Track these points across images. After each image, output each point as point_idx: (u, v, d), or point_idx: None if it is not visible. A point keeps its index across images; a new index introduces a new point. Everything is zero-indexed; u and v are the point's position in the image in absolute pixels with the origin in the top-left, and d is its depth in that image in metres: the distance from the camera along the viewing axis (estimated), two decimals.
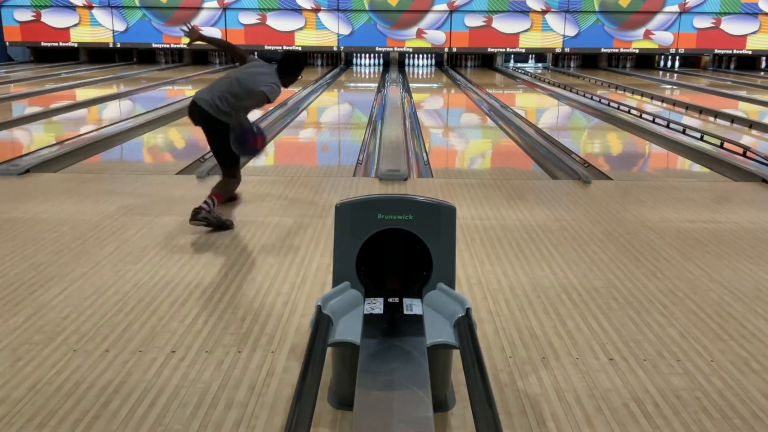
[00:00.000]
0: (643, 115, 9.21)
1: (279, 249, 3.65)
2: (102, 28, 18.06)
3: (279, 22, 18.05)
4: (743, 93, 12.98)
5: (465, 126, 9.54)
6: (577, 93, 12.04)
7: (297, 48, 17.89)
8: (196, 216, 3.89)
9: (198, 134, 8.65)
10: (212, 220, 3.91)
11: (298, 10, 18.01)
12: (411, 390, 1.66)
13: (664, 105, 10.83)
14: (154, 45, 18.31)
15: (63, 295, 2.97)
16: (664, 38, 18.47)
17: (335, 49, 18.47)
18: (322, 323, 1.91)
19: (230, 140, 4.01)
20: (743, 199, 4.97)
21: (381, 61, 18.95)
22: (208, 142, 4.30)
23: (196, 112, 4.15)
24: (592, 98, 11.22)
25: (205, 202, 3.96)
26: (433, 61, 19.08)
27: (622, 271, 3.35)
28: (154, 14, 18.03)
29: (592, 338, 2.62)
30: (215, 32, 18.07)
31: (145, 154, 7.00)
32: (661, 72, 18.28)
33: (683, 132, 7.80)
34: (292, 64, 4.27)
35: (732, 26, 18.33)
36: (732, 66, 18.99)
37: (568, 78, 15.66)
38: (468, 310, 1.96)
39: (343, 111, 11.09)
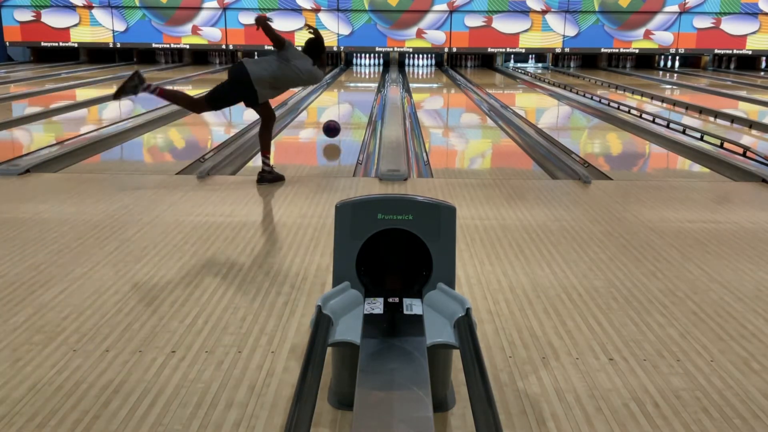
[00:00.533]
0: (643, 115, 9.21)
1: (279, 249, 3.65)
2: (102, 28, 18.07)
3: (279, 22, 18.02)
4: (743, 93, 12.98)
5: (465, 126, 9.54)
6: (577, 93, 12.04)
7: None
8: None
9: (198, 134, 8.62)
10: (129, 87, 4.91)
11: (298, 10, 18.02)
12: (411, 390, 1.66)
13: (664, 105, 10.84)
14: (154, 45, 18.33)
15: (63, 295, 2.97)
16: (664, 38, 18.48)
17: (335, 49, 18.47)
18: (322, 323, 1.91)
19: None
20: (743, 199, 4.97)
21: (381, 61, 18.96)
22: (224, 85, 5.01)
23: (241, 73, 4.87)
24: (592, 98, 11.23)
25: (152, 87, 4.97)
26: (433, 61, 19.08)
27: (622, 271, 3.35)
28: (154, 14, 18.03)
29: (592, 338, 2.62)
30: (215, 32, 18.09)
31: (145, 154, 7.00)
32: (661, 72, 18.28)
33: (683, 132, 7.81)
34: (317, 49, 5.09)
35: (732, 26, 18.34)
36: (732, 66, 18.99)
37: (568, 78, 15.67)
38: (468, 310, 1.96)
39: (343, 111, 11.09)
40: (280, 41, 4.91)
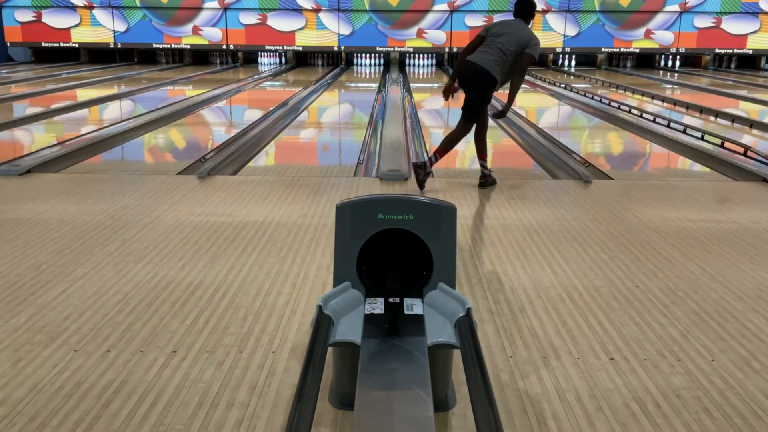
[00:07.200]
0: (644, 115, 9.20)
1: (280, 249, 3.65)
2: (103, 29, 18.08)
3: (279, 22, 18.06)
4: (744, 92, 12.98)
5: None
6: (577, 93, 12.03)
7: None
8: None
9: (199, 134, 8.59)
10: None
11: (299, 10, 18.02)
12: (412, 390, 1.67)
13: (665, 104, 10.83)
14: (154, 45, 18.34)
15: (64, 295, 2.97)
16: (664, 38, 18.47)
17: (336, 49, 18.48)
18: (322, 323, 1.91)
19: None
20: (744, 198, 4.97)
21: (381, 61, 18.96)
22: (470, 95, 5.06)
23: (473, 70, 4.91)
24: (592, 98, 11.22)
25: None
26: (434, 61, 19.08)
27: (623, 271, 3.35)
28: (154, 14, 18.04)
29: (593, 338, 2.62)
30: (216, 32, 18.10)
31: (145, 155, 7.00)
32: (661, 71, 18.28)
33: (684, 131, 7.80)
34: (528, 7, 4.92)
35: (732, 26, 18.33)
36: (732, 65, 18.99)
37: (568, 78, 15.65)
38: (468, 310, 1.97)
39: (343, 111, 11.09)
40: (473, 46, 5.18)
